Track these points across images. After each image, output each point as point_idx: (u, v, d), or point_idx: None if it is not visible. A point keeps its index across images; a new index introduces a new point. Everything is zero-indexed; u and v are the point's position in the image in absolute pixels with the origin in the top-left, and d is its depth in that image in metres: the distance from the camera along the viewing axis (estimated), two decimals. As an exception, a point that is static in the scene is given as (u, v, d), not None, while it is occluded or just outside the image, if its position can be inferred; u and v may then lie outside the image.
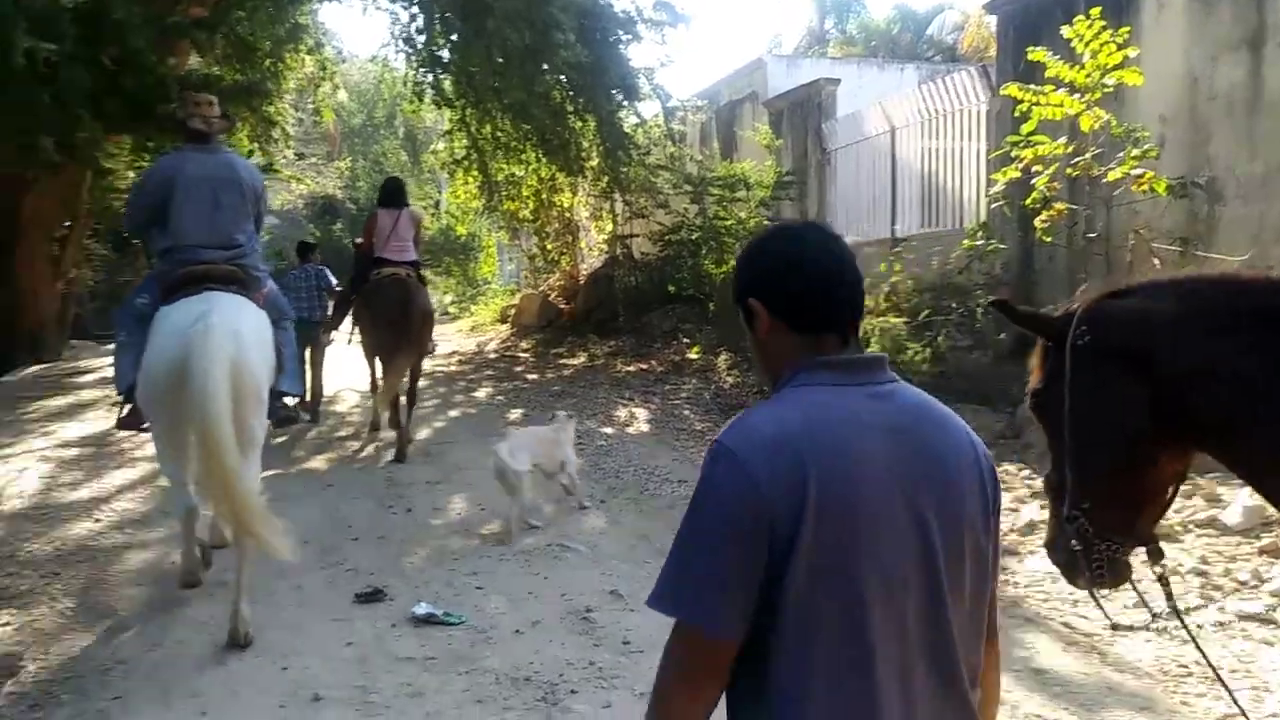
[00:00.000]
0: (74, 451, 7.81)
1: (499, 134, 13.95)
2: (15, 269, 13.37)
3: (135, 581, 4.91)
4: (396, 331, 7.26)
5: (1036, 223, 7.25)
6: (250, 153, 15.19)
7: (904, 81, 14.99)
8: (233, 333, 4.01)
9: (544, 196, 15.24)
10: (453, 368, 12.95)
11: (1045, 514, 5.71)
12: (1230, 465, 2.00)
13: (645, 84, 12.89)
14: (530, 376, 11.46)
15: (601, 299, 14.88)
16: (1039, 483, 6.41)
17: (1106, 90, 6.79)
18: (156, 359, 4.06)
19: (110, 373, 5.17)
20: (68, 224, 14.84)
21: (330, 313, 9.03)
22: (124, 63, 10.10)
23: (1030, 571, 5.01)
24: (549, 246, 16.33)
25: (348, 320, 8.59)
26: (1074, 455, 2.03)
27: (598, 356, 12.40)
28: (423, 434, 8.46)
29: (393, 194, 8.09)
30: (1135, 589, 2.18)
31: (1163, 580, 2.07)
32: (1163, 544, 2.10)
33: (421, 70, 13.54)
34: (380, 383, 7.75)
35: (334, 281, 9.33)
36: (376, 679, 3.72)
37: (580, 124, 13.21)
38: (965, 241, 8.64)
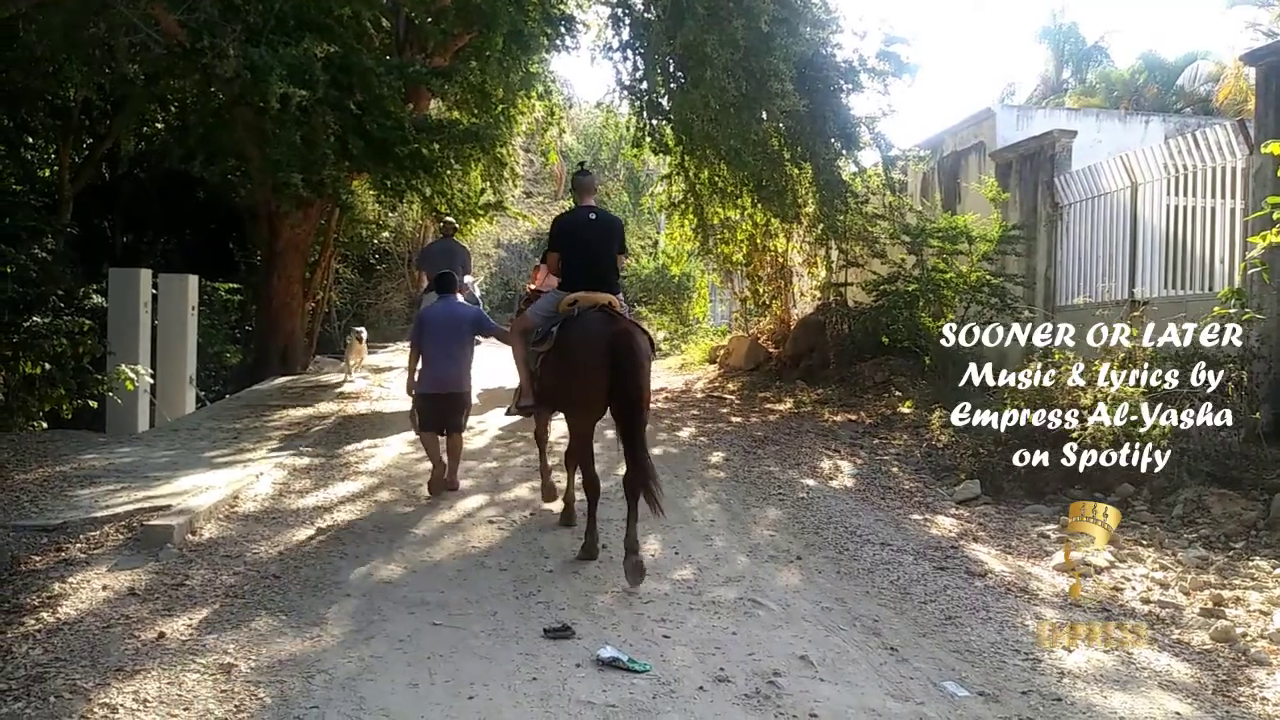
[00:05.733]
0: (306, 461, 8.40)
1: (716, 179, 14.10)
2: (271, 290, 14.76)
3: (346, 592, 5.15)
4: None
5: (1303, 292, 6.51)
6: (481, 191, 16.14)
7: (1148, 135, 14.01)
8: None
9: (758, 241, 15.18)
10: (659, 404, 13.03)
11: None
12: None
13: (865, 133, 12.69)
14: (734, 419, 11.35)
15: (812, 346, 14.64)
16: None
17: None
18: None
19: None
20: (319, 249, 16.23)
21: None
22: (368, 108, 10.95)
23: (1283, 687, 4.40)
24: (761, 290, 16.23)
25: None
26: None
27: (804, 404, 12.13)
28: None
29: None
30: None
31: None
32: None
33: (643, 117, 13.92)
34: None
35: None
36: (556, 720, 3.72)
37: (797, 171, 13.14)
38: (1217, 308, 7.90)
